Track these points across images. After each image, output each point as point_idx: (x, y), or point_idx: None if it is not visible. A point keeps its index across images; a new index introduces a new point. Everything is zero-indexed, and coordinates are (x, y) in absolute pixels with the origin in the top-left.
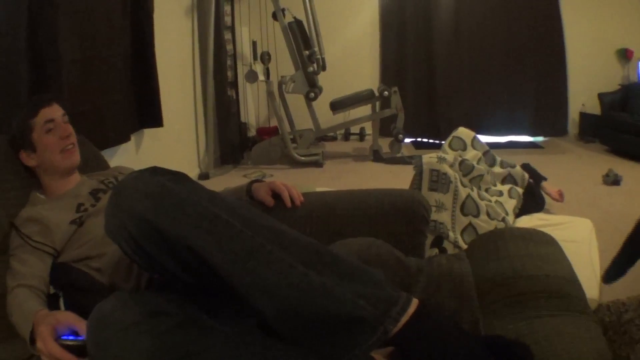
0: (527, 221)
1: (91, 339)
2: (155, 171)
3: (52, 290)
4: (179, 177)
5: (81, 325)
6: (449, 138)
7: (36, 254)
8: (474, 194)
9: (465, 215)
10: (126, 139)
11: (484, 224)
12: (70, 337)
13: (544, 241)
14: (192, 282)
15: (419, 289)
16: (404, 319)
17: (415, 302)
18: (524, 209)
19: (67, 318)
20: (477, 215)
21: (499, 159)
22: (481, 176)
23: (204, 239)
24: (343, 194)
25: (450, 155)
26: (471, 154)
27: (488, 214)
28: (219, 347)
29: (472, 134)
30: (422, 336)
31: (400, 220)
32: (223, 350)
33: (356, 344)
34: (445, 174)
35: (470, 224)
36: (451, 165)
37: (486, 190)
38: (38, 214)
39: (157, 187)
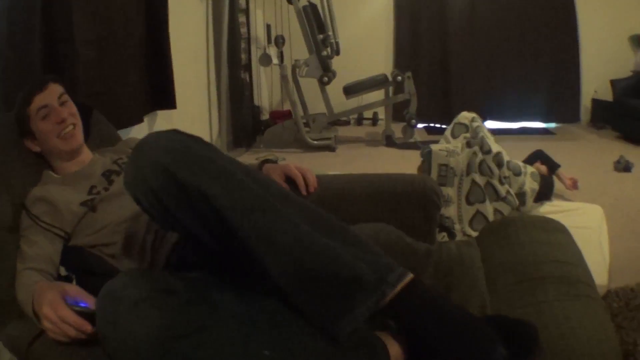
0: (538, 207)
1: (101, 315)
2: (176, 131)
3: (64, 273)
4: (198, 139)
5: (89, 298)
6: (451, 126)
7: (46, 235)
8: (479, 179)
9: (471, 204)
10: (139, 120)
11: (493, 208)
12: (82, 304)
13: (553, 228)
14: (207, 241)
15: (428, 274)
16: (400, 285)
17: (411, 275)
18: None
19: (75, 289)
20: (483, 201)
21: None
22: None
23: (220, 191)
24: (355, 178)
25: (457, 144)
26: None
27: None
28: (229, 324)
29: (472, 114)
30: (416, 305)
31: (412, 206)
32: (232, 327)
33: (355, 305)
34: (452, 168)
35: (477, 211)
36: (459, 151)
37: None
38: (48, 193)
39: (178, 143)
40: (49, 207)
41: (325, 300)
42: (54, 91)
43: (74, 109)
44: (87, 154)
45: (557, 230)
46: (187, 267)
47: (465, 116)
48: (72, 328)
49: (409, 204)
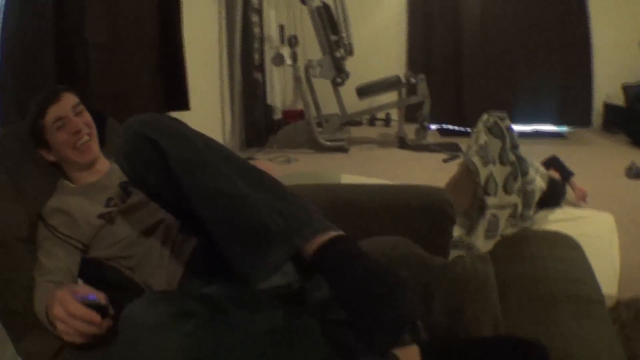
0: (548, 214)
1: (122, 338)
2: (155, 113)
3: (80, 283)
4: (174, 119)
5: (98, 293)
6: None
7: (64, 247)
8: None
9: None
10: None
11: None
12: (91, 297)
13: (566, 245)
14: (165, 198)
15: (443, 287)
16: (318, 240)
17: (335, 233)
18: (543, 203)
19: (84, 287)
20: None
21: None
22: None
23: (170, 147)
24: (370, 188)
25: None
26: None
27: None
28: (244, 345)
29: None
30: (334, 259)
31: (427, 218)
32: (248, 347)
33: (266, 254)
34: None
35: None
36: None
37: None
38: (65, 205)
39: (152, 116)
40: (67, 218)
41: (242, 249)
42: (69, 101)
43: (89, 118)
44: (103, 163)
45: (570, 246)
46: (205, 272)
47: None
48: (81, 322)
49: (424, 217)
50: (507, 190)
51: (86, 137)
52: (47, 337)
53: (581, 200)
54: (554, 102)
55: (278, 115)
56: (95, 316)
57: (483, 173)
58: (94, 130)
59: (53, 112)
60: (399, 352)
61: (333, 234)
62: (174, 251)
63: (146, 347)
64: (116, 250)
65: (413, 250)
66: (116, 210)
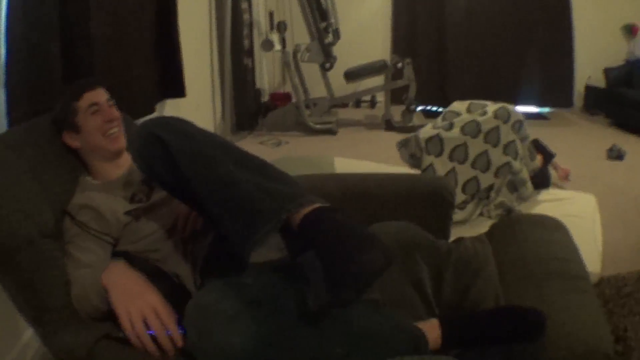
0: (534, 195)
1: (194, 328)
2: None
3: None
4: (183, 120)
5: (169, 316)
6: (442, 114)
7: (96, 242)
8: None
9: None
10: (151, 110)
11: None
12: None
13: (554, 227)
14: (173, 187)
15: (450, 268)
16: (303, 211)
17: (316, 204)
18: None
19: (156, 304)
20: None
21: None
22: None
23: (174, 141)
24: (377, 178)
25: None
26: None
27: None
28: (304, 328)
29: (467, 103)
30: (317, 224)
31: (430, 205)
32: (306, 330)
33: (256, 230)
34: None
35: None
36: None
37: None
38: (92, 201)
39: (162, 118)
40: (95, 214)
41: (236, 225)
42: (103, 94)
43: (119, 114)
44: (126, 159)
45: (557, 228)
46: (222, 264)
47: (456, 105)
48: (162, 345)
49: (426, 203)
50: (465, 192)
51: (116, 128)
52: (82, 331)
53: (564, 179)
54: (535, 84)
55: (265, 98)
56: (172, 353)
57: (426, 161)
58: (122, 126)
59: (89, 97)
60: (421, 325)
61: (317, 205)
62: (196, 243)
63: (225, 335)
64: (143, 245)
65: (421, 234)
66: (142, 207)
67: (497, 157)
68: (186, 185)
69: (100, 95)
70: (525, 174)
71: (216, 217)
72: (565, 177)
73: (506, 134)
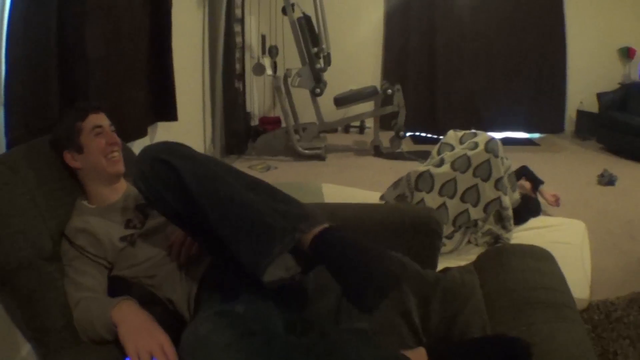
0: (522, 223)
1: (191, 356)
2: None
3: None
4: (182, 145)
5: (175, 356)
6: (437, 146)
7: (94, 266)
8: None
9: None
10: (144, 133)
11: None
12: None
13: (541, 256)
14: (181, 213)
15: (437, 298)
16: (313, 231)
17: (325, 225)
18: (521, 219)
19: (164, 342)
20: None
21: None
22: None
23: (184, 165)
24: (366, 208)
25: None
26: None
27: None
28: (297, 357)
29: (460, 134)
30: (329, 244)
31: (418, 235)
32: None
33: (270, 247)
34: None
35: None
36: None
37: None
38: (89, 225)
39: (164, 144)
40: (92, 239)
41: (250, 245)
42: (106, 118)
43: (120, 140)
44: (122, 183)
45: (544, 258)
46: (218, 287)
47: (451, 136)
48: None
49: (414, 234)
50: (455, 224)
51: (117, 153)
52: (82, 352)
53: (555, 205)
54: (526, 110)
55: (255, 122)
56: None
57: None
58: (121, 152)
59: (93, 119)
60: (409, 353)
61: (327, 225)
62: (190, 269)
63: None
64: (138, 270)
65: (409, 265)
66: (137, 234)
67: (488, 191)
68: (195, 209)
69: (103, 119)
70: (511, 212)
71: (228, 238)
72: (555, 202)
73: (497, 169)
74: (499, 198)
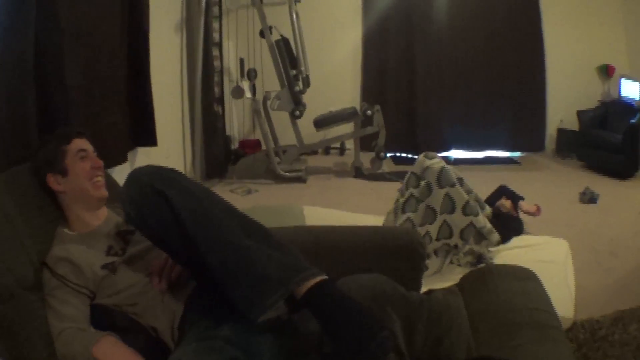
0: (506, 242)
1: None
2: (155, 165)
3: (92, 330)
4: (172, 170)
5: None
6: (407, 175)
7: (75, 295)
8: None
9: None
10: (124, 159)
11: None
12: None
13: (525, 277)
14: (170, 242)
15: (422, 320)
16: (307, 284)
17: (320, 277)
18: (504, 239)
19: None
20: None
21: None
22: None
23: (177, 196)
24: (348, 230)
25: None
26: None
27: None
28: None
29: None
30: (321, 298)
31: (401, 257)
32: None
33: (263, 298)
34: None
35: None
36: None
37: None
38: (70, 254)
39: (155, 168)
40: (73, 267)
41: (243, 291)
42: (88, 144)
43: (102, 165)
44: (104, 211)
45: (528, 278)
46: (202, 311)
47: (420, 162)
48: None
49: (398, 256)
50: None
51: (101, 177)
52: None
53: (536, 214)
54: (506, 129)
55: (235, 145)
56: None
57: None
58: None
59: (77, 143)
60: None
61: (319, 278)
62: (174, 294)
63: None
64: (120, 299)
65: (392, 286)
66: (119, 261)
67: (458, 221)
68: (186, 243)
69: (87, 143)
70: (488, 224)
71: (224, 281)
72: (537, 211)
73: (459, 196)
74: (471, 222)
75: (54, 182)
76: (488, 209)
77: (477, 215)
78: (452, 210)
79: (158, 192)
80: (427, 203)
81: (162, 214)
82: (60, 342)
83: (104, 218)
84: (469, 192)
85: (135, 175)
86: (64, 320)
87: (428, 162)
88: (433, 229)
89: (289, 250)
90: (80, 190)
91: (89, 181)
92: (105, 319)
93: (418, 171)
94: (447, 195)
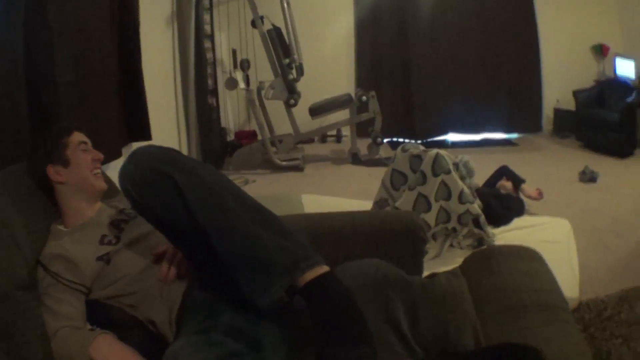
0: (507, 224)
1: None
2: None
3: (88, 327)
4: (176, 151)
5: None
6: (389, 173)
7: (70, 292)
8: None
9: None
10: (118, 155)
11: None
12: None
13: (530, 257)
14: (172, 225)
15: (425, 304)
16: (311, 274)
17: (325, 268)
18: (505, 220)
19: None
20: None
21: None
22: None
23: (184, 179)
24: (348, 216)
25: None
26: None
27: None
28: None
29: (407, 155)
30: (319, 291)
31: (402, 241)
32: None
33: (271, 284)
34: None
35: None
36: None
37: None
38: (63, 249)
39: (158, 149)
40: (68, 264)
41: (250, 278)
42: (86, 138)
43: (102, 158)
44: (98, 203)
45: (533, 258)
46: (204, 300)
47: (399, 160)
48: None
49: (400, 240)
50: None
51: (100, 170)
52: None
53: (538, 198)
54: (503, 110)
55: (230, 137)
56: None
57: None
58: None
59: (78, 136)
60: None
61: (320, 271)
62: (173, 285)
63: None
64: (117, 288)
65: (394, 271)
66: (113, 250)
67: (455, 207)
68: (191, 228)
69: (86, 137)
70: (483, 217)
71: (231, 267)
72: (539, 195)
73: (454, 183)
74: (467, 210)
75: (55, 173)
76: (478, 201)
77: (472, 203)
78: (448, 197)
79: (163, 174)
80: (419, 190)
81: (167, 197)
82: (56, 341)
83: (97, 210)
84: (462, 178)
85: (137, 157)
86: (59, 318)
87: (416, 151)
88: (430, 216)
89: (296, 238)
90: (81, 180)
91: (90, 172)
92: (101, 315)
93: (404, 169)
94: (442, 182)
